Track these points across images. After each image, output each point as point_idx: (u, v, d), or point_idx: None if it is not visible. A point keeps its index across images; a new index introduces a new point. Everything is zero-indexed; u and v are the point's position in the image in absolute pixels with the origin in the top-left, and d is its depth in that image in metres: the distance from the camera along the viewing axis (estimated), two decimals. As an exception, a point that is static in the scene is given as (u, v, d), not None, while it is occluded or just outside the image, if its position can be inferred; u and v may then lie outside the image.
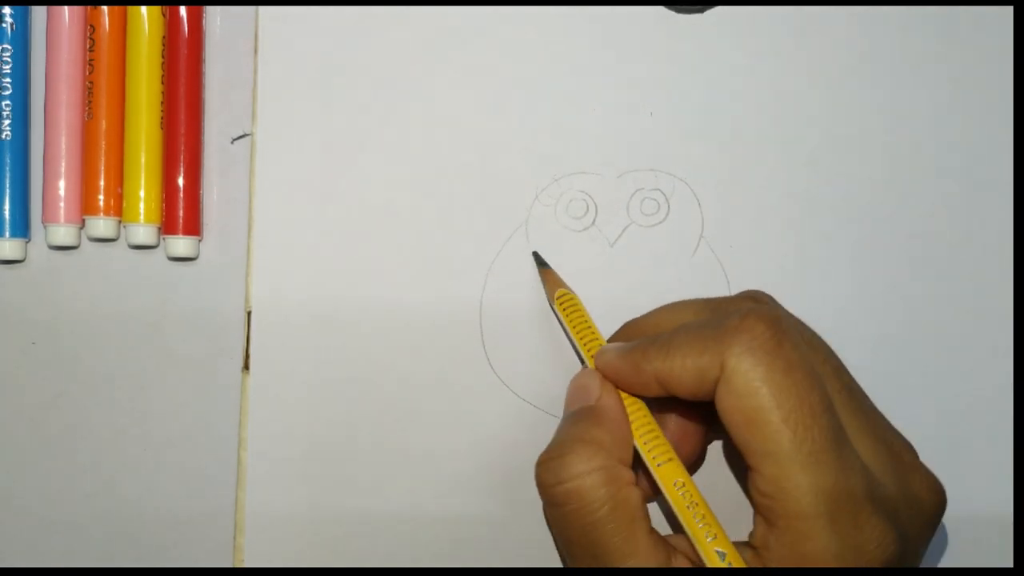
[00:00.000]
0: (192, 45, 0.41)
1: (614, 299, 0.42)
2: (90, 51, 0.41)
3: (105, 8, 0.41)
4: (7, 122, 0.40)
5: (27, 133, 0.41)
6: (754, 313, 0.34)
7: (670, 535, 0.36)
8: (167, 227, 0.41)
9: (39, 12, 0.41)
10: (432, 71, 0.42)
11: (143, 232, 0.41)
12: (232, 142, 0.42)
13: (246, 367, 0.41)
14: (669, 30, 0.43)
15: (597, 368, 0.38)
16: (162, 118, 0.41)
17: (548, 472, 0.35)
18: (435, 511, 0.41)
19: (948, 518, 0.42)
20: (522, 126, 0.42)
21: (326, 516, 0.41)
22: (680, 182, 0.42)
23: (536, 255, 0.42)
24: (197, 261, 0.42)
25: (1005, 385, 0.43)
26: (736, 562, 0.33)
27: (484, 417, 0.42)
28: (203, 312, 0.42)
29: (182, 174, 0.41)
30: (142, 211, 0.41)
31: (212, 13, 0.42)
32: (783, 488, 0.33)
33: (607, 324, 0.42)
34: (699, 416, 0.38)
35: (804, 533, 0.33)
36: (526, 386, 0.42)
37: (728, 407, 0.34)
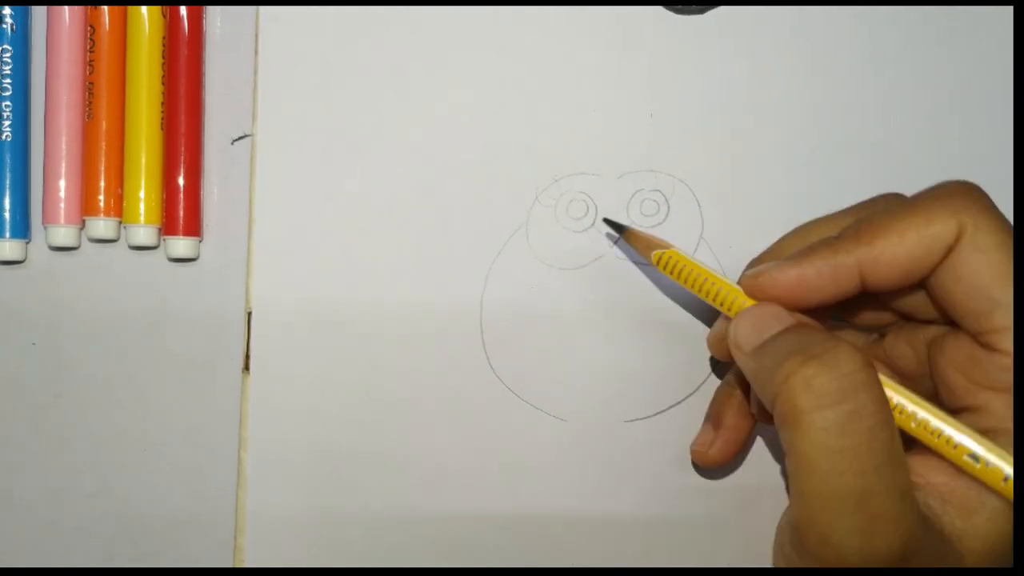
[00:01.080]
0: (192, 45, 0.41)
1: (614, 300, 0.42)
2: (90, 51, 0.41)
3: (105, 8, 0.41)
4: (7, 123, 0.40)
5: (27, 134, 0.41)
6: (965, 182, 0.33)
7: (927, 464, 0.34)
8: (167, 228, 0.41)
9: (39, 12, 0.41)
10: (432, 71, 0.42)
11: (143, 233, 0.41)
12: (232, 143, 0.42)
13: (246, 368, 0.41)
14: (669, 31, 0.43)
15: (757, 297, 0.35)
16: (162, 119, 0.41)
17: (820, 364, 0.31)
18: (435, 511, 0.41)
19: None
20: (522, 126, 0.42)
21: (326, 516, 0.41)
22: (680, 183, 0.42)
23: (606, 220, 0.41)
24: (197, 262, 0.42)
25: (1005, 385, 0.43)
26: (995, 454, 0.31)
27: (484, 417, 0.42)
28: (203, 313, 0.42)
29: (182, 175, 0.41)
30: (142, 212, 0.41)
31: (212, 13, 0.42)
32: None
33: (607, 323, 0.42)
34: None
35: None
36: (526, 386, 0.42)
37: (974, 267, 0.32)
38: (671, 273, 0.38)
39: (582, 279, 0.42)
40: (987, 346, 0.33)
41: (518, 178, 0.42)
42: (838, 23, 0.43)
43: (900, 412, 0.33)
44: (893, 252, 0.33)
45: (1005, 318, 0.32)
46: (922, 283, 0.34)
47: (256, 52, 0.42)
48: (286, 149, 0.42)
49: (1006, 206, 0.43)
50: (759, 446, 0.42)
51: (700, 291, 0.36)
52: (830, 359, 0.31)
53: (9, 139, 0.40)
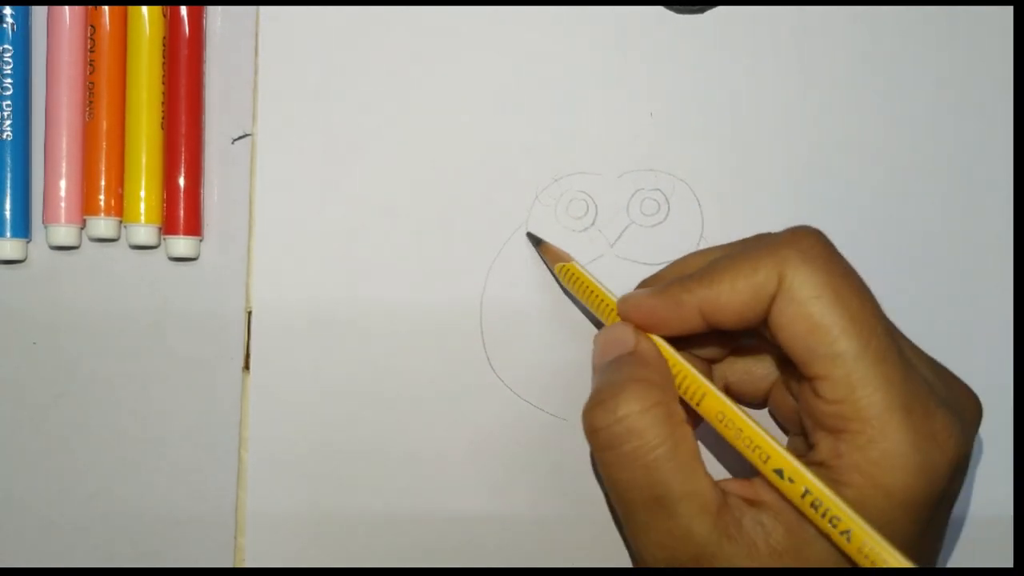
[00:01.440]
0: (193, 45, 0.41)
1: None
2: (91, 51, 0.41)
3: (106, 8, 0.41)
4: (8, 122, 0.40)
5: (28, 133, 0.41)
6: (799, 228, 0.35)
7: (725, 480, 0.36)
8: (168, 227, 0.41)
9: (40, 12, 0.41)
10: (432, 71, 0.42)
11: (144, 232, 0.41)
12: (233, 142, 0.42)
13: (246, 367, 0.41)
14: (669, 30, 0.43)
15: (623, 317, 0.37)
16: (163, 118, 0.41)
17: (601, 413, 0.34)
18: (435, 511, 0.41)
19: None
20: (522, 126, 0.42)
21: (326, 516, 0.41)
22: (680, 182, 0.42)
23: (530, 235, 0.42)
24: (198, 261, 0.42)
25: (1005, 385, 0.43)
26: (796, 476, 0.33)
27: (484, 417, 0.42)
28: (204, 312, 0.42)
29: (183, 174, 0.41)
30: (143, 211, 0.41)
31: (213, 13, 0.42)
32: (854, 387, 0.33)
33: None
34: (706, 372, 0.38)
35: (880, 430, 0.32)
36: (526, 386, 0.42)
37: (790, 317, 0.33)
38: (568, 284, 0.40)
39: (582, 279, 0.42)
40: (814, 391, 0.34)
41: (518, 178, 0.42)
42: (838, 23, 0.43)
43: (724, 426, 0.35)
44: (728, 298, 0.34)
45: (824, 368, 0.33)
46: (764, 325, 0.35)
47: (256, 52, 0.42)
48: (286, 149, 0.42)
49: (1006, 206, 0.43)
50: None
51: (587, 302, 0.39)
52: (611, 406, 0.34)
53: (10, 138, 0.40)
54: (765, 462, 0.33)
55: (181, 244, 0.41)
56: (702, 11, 0.43)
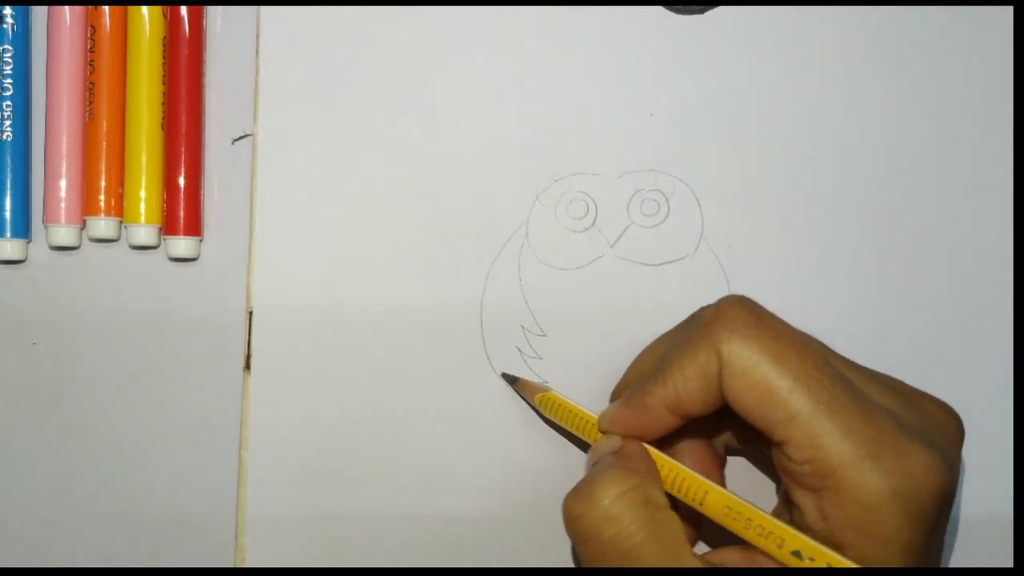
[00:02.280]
0: (193, 45, 0.41)
1: (614, 300, 0.42)
2: (91, 51, 0.41)
3: (106, 8, 0.41)
4: (8, 122, 0.40)
5: (28, 133, 0.41)
6: (724, 300, 0.35)
7: (720, 549, 0.35)
8: (168, 227, 0.41)
9: (40, 12, 0.41)
10: (432, 71, 0.42)
11: (144, 232, 0.41)
12: (233, 142, 0.42)
13: (247, 367, 0.41)
14: (669, 30, 0.43)
15: (604, 432, 0.38)
16: (163, 118, 0.41)
17: (577, 501, 0.34)
18: (435, 511, 0.41)
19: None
20: (522, 126, 0.42)
21: (326, 516, 0.41)
22: (680, 182, 0.42)
23: (504, 375, 0.42)
24: (198, 261, 0.42)
25: (1005, 385, 0.43)
26: (815, 554, 0.32)
27: (484, 417, 0.42)
28: (204, 312, 0.42)
29: (183, 174, 0.41)
30: (143, 211, 0.41)
31: (213, 13, 0.42)
32: (818, 444, 0.32)
33: (606, 325, 0.42)
34: (709, 452, 0.39)
35: (855, 483, 0.32)
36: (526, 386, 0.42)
37: (738, 390, 0.34)
38: (550, 412, 0.40)
39: (582, 279, 0.42)
40: (785, 455, 0.33)
41: (518, 178, 0.42)
42: (838, 23, 0.43)
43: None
44: (683, 388, 0.35)
45: (785, 431, 0.33)
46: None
47: (257, 52, 0.42)
48: (287, 149, 0.42)
49: (1006, 206, 0.43)
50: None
51: (571, 427, 0.39)
52: (586, 493, 0.34)
53: (10, 139, 0.40)
54: (780, 547, 0.33)
55: (181, 244, 0.41)
56: (702, 11, 0.43)
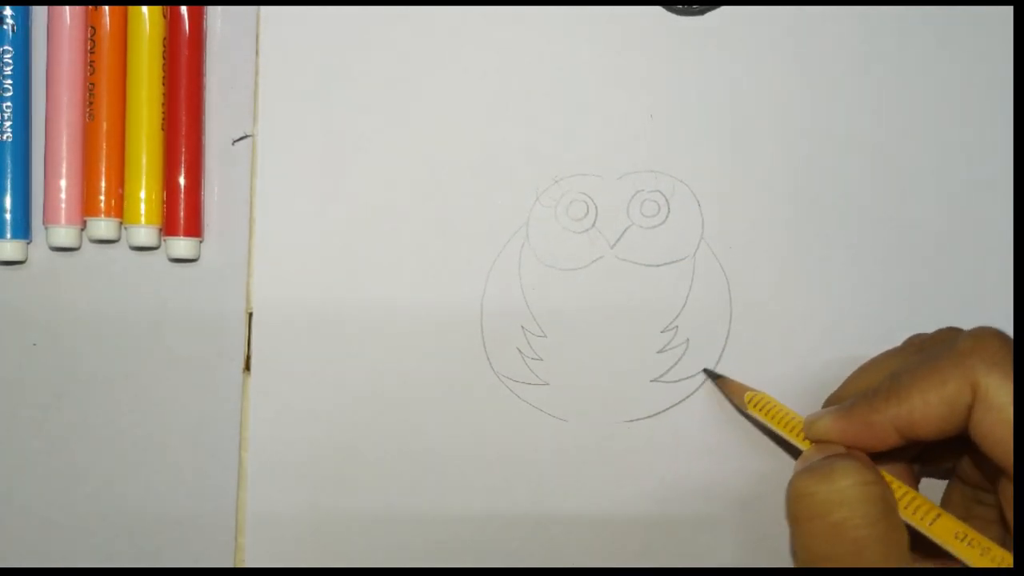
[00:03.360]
0: (193, 46, 0.41)
1: (614, 300, 0.42)
2: (91, 52, 0.41)
3: (106, 9, 0.41)
4: (8, 123, 0.40)
5: (28, 134, 0.41)
6: (983, 332, 0.34)
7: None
8: (168, 228, 0.41)
9: (40, 13, 0.41)
10: (433, 72, 0.42)
11: (144, 233, 0.41)
12: (233, 143, 0.42)
13: (247, 368, 0.41)
14: (669, 31, 0.43)
15: (813, 440, 0.36)
16: (163, 119, 0.41)
17: (811, 478, 0.33)
18: (435, 511, 0.41)
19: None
20: (522, 127, 0.42)
21: (326, 516, 0.41)
22: (680, 183, 0.42)
23: (707, 371, 0.42)
24: (198, 262, 0.42)
25: (1005, 385, 0.43)
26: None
27: (484, 417, 0.42)
28: (204, 313, 0.42)
29: (183, 175, 0.41)
30: (143, 212, 0.41)
31: (213, 14, 0.42)
32: None
33: (606, 326, 0.42)
34: (909, 474, 0.38)
35: None
36: (526, 386, 0.42)
37: (990, 425, 0.33)
38: (759, 413, 0.40)
39: (582, 279, 0.42)
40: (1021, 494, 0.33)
41: (518, 178, 0.42)
42: (838, 23, 0.43)
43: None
44: (921, 413, 0.34)
45: None
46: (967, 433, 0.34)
47: (257, 52, 0.42)
48: (287, 149, 0.42)
49: (1006, 206, 0.43)
50: (757, 447, 0.42)
51: (781, 426, 0.39)
52: (825, 472, 0.33)
53: (10, 139, 0.40)
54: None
55: (181, 245, 0.41)
56: (702, 12, 0.43)
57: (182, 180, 0.41)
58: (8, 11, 0.40)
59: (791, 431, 0.38)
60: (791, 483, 0.34)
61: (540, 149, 0.42)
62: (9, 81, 0.40)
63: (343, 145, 0.42)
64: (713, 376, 0.42)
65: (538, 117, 0.42)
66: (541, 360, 0.42)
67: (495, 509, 0.42)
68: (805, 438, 0.37)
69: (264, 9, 0.42)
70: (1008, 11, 0.43)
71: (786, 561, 0.40)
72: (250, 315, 0.41)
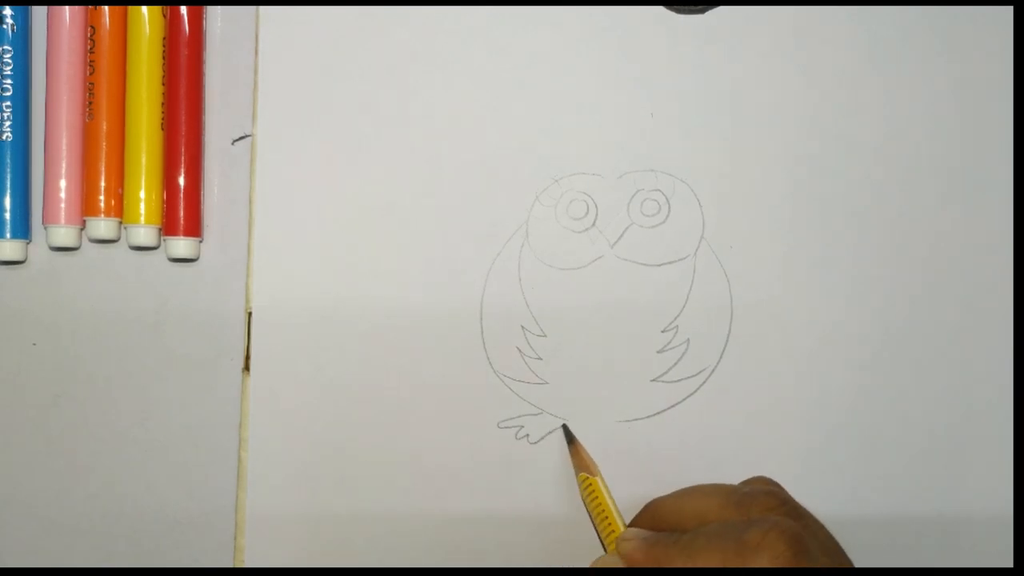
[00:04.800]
0: (193, 46, 0.41)
1: (614, 300, 0.42)
2: (91, 52, 0.41)
3: (106, 8, 0.41)
4: (8, 123, 0.40)
5: (28, 134, 0.41)
6: (776, 529, 0.35)
7: None
8: (168, 228, 0.41)
9: (40, 12, 0.41)
10: (432, 72, 0.42)
11: (144, 233, 0.41)
12: (233, 143, 0.42)
13: (246, 368, 0.41)
14: (669, 31, 0.43)
15: (619, 554, 0.38)
16: (163, 119, 0.41)
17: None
18: (435, 511, 0.41)
19: (948, 518, 0.42)
20: (522, 126, 0.42)
21: (326, 516, 0.41)
22: (680, 183, 0.42)
23: (565, 428, 0.42)
24: (198, 262, 0.42)
25: (1005, 385, 0.43)
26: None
27: (484, 417, 0.42)
28: (203, 313, 0.42)
29: (183, 175, 0.41)
30: (143, 212, 0.41)
31: (213, 14, 0.42)
32: None
33: (606, 325, 0.42)
34: None
35: None
36: (526, 386, 0.42)
37: None
38: (585, 495, 0.41)
39: (582, 279, 0.42)
40: None
41: (518, 178, 0.42)
42: (838, 23, 0.43)
43: None
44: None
45: None
46: None
47: (256, 52, 0.42)
48: (286, 149, 0.42)
49: (1006, 206, 0.43)
50: (758, 447, 0.42)
51: (597, 521, 0.40)
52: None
53: (10, 139, 0.40)
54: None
55: (181, 245, 0.41)
56: (702, 11, 0.43)
57: (182, 180, 0.41)
58: (8, 11, 0.40)
59: (604, 533, 0.40)
60: None
61: (540, 149, 0.42)
62: (9, 81, 0.40)
63: (343, 145, 0.42)
64: (570, 438, 0.42)
65: (538, 117, 0.42)
66: (541, 360, 0.42)
67: (495, 509, 0.42)
68: (612, 543, 0.39)
69: (264, 9, 0.42)
70: (1008, 11, 0.43)
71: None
72: (249, 315, 0.41)
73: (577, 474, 0.41)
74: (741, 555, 0.35)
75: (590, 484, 0.40)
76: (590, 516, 0.41)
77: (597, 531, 0.40)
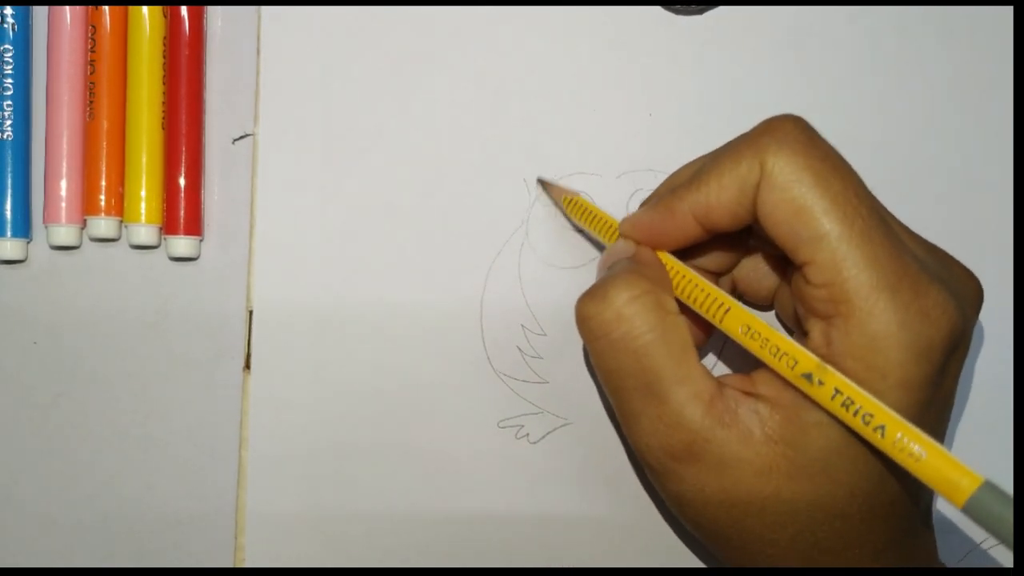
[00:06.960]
0: (193, 45, 0.41)
1: (614, 299, 0.42)
2: (91, 51, 0.41)
3: (106, 8, 0.41)
4: (8, 122, 0.40)
5: (28, 133, 0.41)
6: (777, 116, 0.34)
7: (722, 376, 0.36)
8: (168, 227, 0.41)
9: (40, 12, 0.41)
10: (432, 71, 0.42)
11: (144, 232, 0.41)
12: (233, 142, 0.42)
13: (247, 367, 0.41)
14: (668, 31, 0.43)
15: (624, 235, 0.38)
16: (163, 118, 0.41)
17: (591, 302, 0.35)
18: (435, 511, 0.41)
19: (948, 518, 0.42)
20: (522, 126, 0.42)
21: (326, 516, 0.41)
22: (680, 182, 0.42)
23: (539, 179, 0.42)
24: (198, 261, 0.42)
25: (1005, 385, 0.43)
26: (825, 377, 0.32)
27: (484, 417, 0.42)
28: (204, 312, 0.42)
29: (183, 174, 0.41)
30: (143, 211, 0.41)
31: (213, 13, 0.42)
32: (840, 268, 0.32)
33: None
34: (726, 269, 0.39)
35: (867, 311, 0.32)
36: (526, 386, 0.42)
37: (774, 203, 0.33)
38: (575, 215, 0.41)
39: (582, 279, 0.42)
40: (804, 279, 0.33)
41: (518, 178, 0.42)
42: (837, 23, 0.43)
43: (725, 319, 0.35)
44: (716, 196, 0.34)
45: (810, 252, 0.33)
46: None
47: (257, 52, 0.42)
48: (287, 149, 0.42)
49: (1006, 206, 0.43)
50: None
51: (594, 229, 0.40)
52: (601, 294, 0.34)
53: (10, 138, 0.40)
54: (792, 368, 0.33)
55: (182, 244, 0.41)
56: (701, 11, 0.43)
57: (182, 179, 0.41)
58: (9, 11, 0.41)
59: (603, 231, 0.39)
60: (576, 307, 0.35)
61: (539, 148, 0.42)
62: (9, 80, 0.40)
63: (343, 144, 0.42)
64: (543, 184, 0.42)
65: (537, 116, 0.42)
66: (541, 359, 0.42)
67: (495, 509, 0.42)
68: (608, 238, 0.38)
69: (264, 9, 0.42)
70: (1008, 11, 0.44)
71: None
72: (250, 314, 0.42)
73: (560, 202, 0.41)
74: (754, 145, 0.34)
75: (575, 201, 0.40)
76: (588, 235, 0.41)
77: (601, 242, 0.40)
